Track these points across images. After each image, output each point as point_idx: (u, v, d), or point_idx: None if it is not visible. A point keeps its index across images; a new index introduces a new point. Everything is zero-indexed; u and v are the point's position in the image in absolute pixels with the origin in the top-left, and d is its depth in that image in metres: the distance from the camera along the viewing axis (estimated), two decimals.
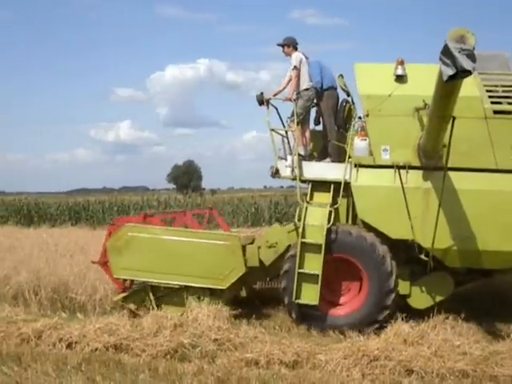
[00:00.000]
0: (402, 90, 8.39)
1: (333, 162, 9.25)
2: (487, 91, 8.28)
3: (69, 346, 7.42)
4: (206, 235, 9.00)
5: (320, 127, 9.92)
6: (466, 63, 5.99)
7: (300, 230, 8.45)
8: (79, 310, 9.25)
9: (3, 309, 8.69)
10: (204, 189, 73.16)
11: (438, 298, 8.60)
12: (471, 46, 6.09)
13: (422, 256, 8.33)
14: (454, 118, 7.27)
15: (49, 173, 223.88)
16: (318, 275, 8.29)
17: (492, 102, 8.21)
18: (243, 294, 9.25)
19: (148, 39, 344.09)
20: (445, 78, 6.11)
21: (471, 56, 6.06)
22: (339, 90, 9.78)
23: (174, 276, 8.71)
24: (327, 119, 9.58)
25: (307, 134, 9.61)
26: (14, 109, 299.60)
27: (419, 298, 8.63)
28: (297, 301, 8.37)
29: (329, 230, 8.36)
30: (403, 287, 8.59)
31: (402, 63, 8.45)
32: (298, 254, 8.37)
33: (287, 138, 9.69)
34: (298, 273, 8.34)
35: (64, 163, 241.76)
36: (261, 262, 9.10)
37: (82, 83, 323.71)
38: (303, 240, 8.41)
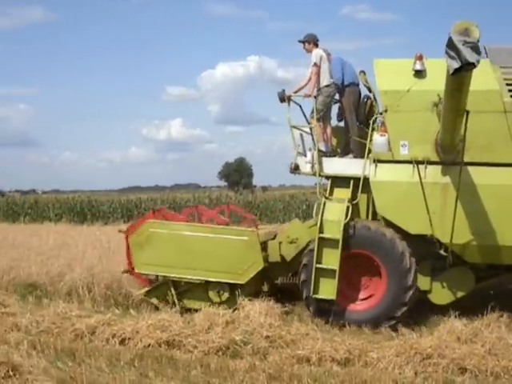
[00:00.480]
0: (421, 85, 8.31)
1: (355, 157, 9.26)
2: (507, 85, 8.13)
3: (122, 341, 7.50)
4: (224, 230, 9.12)
5: (343, 123, 9.94)
6: (470, 56, 5.95)
7: (318, 225, 8.51)
8: (132, 307, 9.33)
9: (58, 305, 8.81)
10: (255, 186, 73.55)
11: (459, 294, 8.52)
12: (475, 39, 6.07)
13: (442, 251, 8.27)
14: (467, 112, 7.23)
15: (102, 171, 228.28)
16: (335, 270, 8.33)
17: None
18: (265, 289, 9.35)
19: (199, 37, 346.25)
20: (450, 71, 6.10)
21: (475, 48, 6.03)
22: (361, 86, 9.78)
23: (194, 271, 8.88)
24: (349, 115, 9.58)
25: (328, 130, 9.65)
26: (67, 108, 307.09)
27: (440, 294, 8.57)
28: (314, 295, 8.44)
29: (346, 226, 8.39)
30: (424, 283, 8.54)
31: (420, 58, 8.38)
32: (316, 248, 8.44)
33: (311, 135, 9.76)
34: (316, 268, 8.40)
35: (117, 162, 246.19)
36: (282, 257, 9.21)
37: (135, 82, 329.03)
38: (321, 235, 8.46)
